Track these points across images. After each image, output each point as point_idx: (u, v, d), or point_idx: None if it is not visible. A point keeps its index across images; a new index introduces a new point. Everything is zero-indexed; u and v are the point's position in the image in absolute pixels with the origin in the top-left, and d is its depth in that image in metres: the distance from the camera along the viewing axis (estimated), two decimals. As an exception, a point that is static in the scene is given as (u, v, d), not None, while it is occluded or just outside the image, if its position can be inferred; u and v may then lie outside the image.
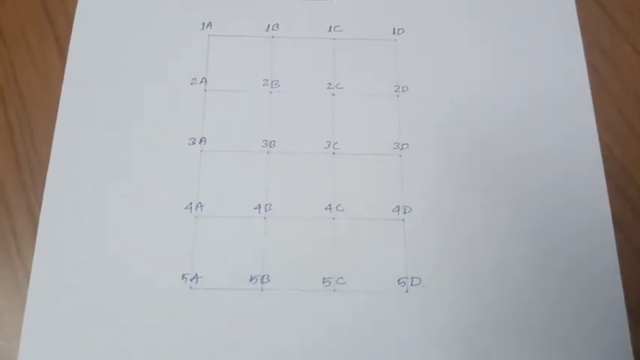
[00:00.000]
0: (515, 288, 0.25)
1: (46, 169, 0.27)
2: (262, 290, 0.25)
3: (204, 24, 0.29)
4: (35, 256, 0.25)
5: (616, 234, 0.26)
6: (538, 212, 0.26)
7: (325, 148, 0.27)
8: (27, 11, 0.30)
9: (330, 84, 0.28)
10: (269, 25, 0.29)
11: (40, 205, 0.26)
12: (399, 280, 0.25)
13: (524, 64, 0.29)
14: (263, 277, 0.25)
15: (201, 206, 0.26)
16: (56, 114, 0.28)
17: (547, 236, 0.26)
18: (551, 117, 0.28)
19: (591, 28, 0.30)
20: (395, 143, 0.27)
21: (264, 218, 0.26)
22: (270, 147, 0.27)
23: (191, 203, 0.26)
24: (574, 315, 0.25)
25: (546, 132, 0.28)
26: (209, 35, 0.29)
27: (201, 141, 0.27)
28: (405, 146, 0.27)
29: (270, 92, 0.28)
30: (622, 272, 0.25)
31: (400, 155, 0.27)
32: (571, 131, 0.28)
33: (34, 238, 0.25)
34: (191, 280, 0.25)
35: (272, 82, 0.28)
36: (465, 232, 0.26)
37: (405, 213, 0.26)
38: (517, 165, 0.27)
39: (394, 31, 0.30)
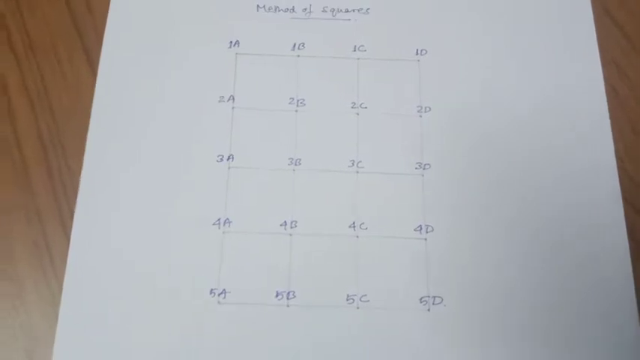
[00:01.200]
0: (538, 307, 0.26)
1: (78, 182, 0.27)
2: (288, 306, 0.26)
3: (231, 42, 0.30)
4: (67, 268, 0.26)
5: (632, 260, 0.26)
6: (560, 231, 0.27)
7: (349, 166, 0.28)
8: (57, 25, 0.31)
9: (354, 103, 0.29)
10: (295, 44, 0.30)
11: (72, 218, 0.27)
12: (420, 299, 0.26)
13: (545, 85, 0.29)
14: (289, 293, 0.26)
15: (229, 222, 0.27)
16: (87, 127, 0.28)
17: (569, 254, 0.26)
18: (573, 137, 0.28)
19: (609, 47, 0.31)
20: (417, 163, 0.28)
21: (290, 235, 0.27)
22: (296, 165, 0.28)
23: (219, 219, 0.27)
24: (596, 331, 0.25)
25: (568, 153, 0.28)
26: (236, 54, 0.30)
27: (229, 158, 0.28)
28: (427, 166, 0.28)
29: (296, 111, 0.29)
30: (636, 284, 0.26)
31: (422, 175, 0.28)
32: (591, 151, 0.28)
33: (67, 251, 0.26)
34: (219, 295, 0.26)
35: (298, 100, 0.29)
36: (486, 251, 0.26)
37: (427, 232, 0.27)
38: (540, 185, 0.28)
39: (417, 51, 0.30)
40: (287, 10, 0.31)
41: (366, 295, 0.26)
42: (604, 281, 0.26)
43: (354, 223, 0.27)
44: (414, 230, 0.27)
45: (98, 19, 0.31)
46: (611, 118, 0.29)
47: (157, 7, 0.31)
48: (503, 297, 0.26)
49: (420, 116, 0.29)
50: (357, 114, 0.29)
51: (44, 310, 0.26)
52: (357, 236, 0.27)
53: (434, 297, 0.26)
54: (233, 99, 0.29)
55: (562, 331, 0.25)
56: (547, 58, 0.30)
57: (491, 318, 0.25)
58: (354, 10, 0.31)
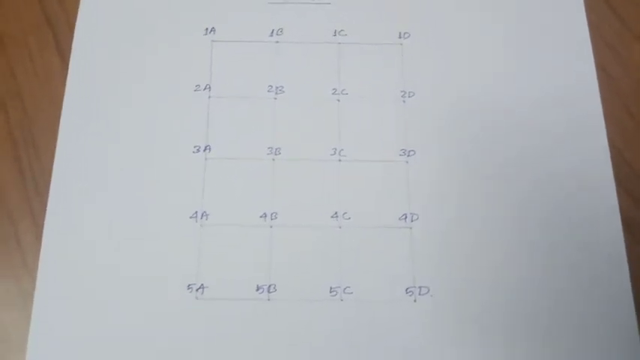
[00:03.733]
0: (525, 295, 0.25)
1: (50, 178, 0.26)
2: (269, 300, 0.25)
3: (207, 29, 0.29)
4: (40, 265, 0.25)
5: (625, 235, 0.26)
6: (546, 217, 0.26)
7: (331, 155, 0.27)
8: (28, 18, 0.30)
9: (335, 89, 0.28)
10: (273, 30, 0.29)
11: (44, 215, 0.26)
12: (406, 290, 0.25)
13: (532, 68, 0.28)
14: (270, 286, 0.25)
15: (207, 215, 0.26)
16: (59, 122, 0.27)
17: (555, 240, 0.25)
18: (560, 121, 0.27)
19: (600, 29, 0.30)
20: (402, 150, 0.27)
21: (270, 227, 0.26)
22: (276, 154, 0.27)
23: (196, 212, 0.26)
24: (583, 318, 0.24)
25: (554, 136, 0.27)
26: (212, 41, 0.29)
27: (205, 149, 0.27)
28: (411, 152, 0.27)
29: (275, 98, 0.28)
30: (632, 276, 0.25)
31: (407, 162, 0.27)
32: (580, 136, 0.27)
33: (39, 248, 0.25)
34: (197, 290, 0.25)
35: (277, 87, 0.28)
36: (473, 239, 0.25)
37: (412, 221, 0.26)
38: (525, 170, 0.27)
39: (400, 35, 0.29)
40: (264, -5, 0.30)
41: (349, 287, 0.25)
42: (597, 271, 0.25)
43: (336, 213, 0.26)
44: (399, 219, 0.26)
45: (70, 10, 0.30)
46: (604, 103, 0.28)
47: (129, -5, 0.30)
48: (491, 286, 0.25)
49: (404, 101, 0.28)
50: (339, 100, 0.28)
51: (16, 310, 0.25)
52: (340, 227, 0.26)
53: (420, 287, 0.25)
54: (209, 88, 0.28)
55: (551, 320, 0.24)
56: (534, 40, 0.29)
57: (478, 308, 0.24)
58: (334, -6, 0.30)
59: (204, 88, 0.28)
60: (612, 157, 0.27)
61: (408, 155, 0.27)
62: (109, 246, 0.25)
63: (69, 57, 0.29)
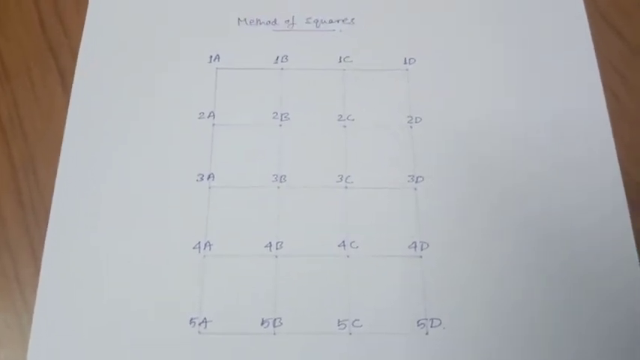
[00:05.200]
0: (540, 327, 0.24)
1: (50, 208, 0.26)
2: (275, 334, 0.24)
3: (211, 57, 0.29)
4: (37, 300, 0.24)
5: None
6: (564, 246, 0.25)
7: (337, 182, 0.26)
8: (30, 45, 0.30)
9: (340, 116, 0.28)
10: (278, 57, 0.29)
11: (43, 247, 0.25)
12: (418, 322, 0.24)
13: (539, 92, 0.28)
14: (275, 320, 0.24)
15: (210, 245, 0.25)
16: (59, 152, 0.27)
17: (574, 269, 0.24)
18: (570, 146, 0.27)
19: (606, 51, 0.29)
20: (409, 176, 0.26)
21: (276, 257, 0.25)
22: (281, 182, 0.26)
23: (199, 242, 0.25)
24: (602, 353, 0.23)
25: (564, 160, 0.27)
26: (217, 68, 0.28)
27: (209, 177, 0.26)
28: (420, 179, 0.26)
29: (280, 125, 0.27)
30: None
31: (415, 188, 0.26)
32: (590, 159, 0.27)
33: (37, 281, 0.24)
34: (199, 324, 0.24)
35: (282, 114, 0.28)
36: (486, 268, 0.25)
37: (422, 249, 0.25)
38: (537, 195, 0.26)
39: (405, 60, 0.29)
40: (269, 22, 0.30)
41: (358, 319, 0.24)
42: (614, 301, 0.24)
43: (343, 241, 0.25)
44: (409, 247, 0.25)
45: (73, 37, 0.30)
46: (612, 123, 0.27)
47: (134, 22, 0.29)
48: (505, 316, 0.24)
49: (411, 127, 0.27)
50: (345, 126, 0.27)
51: (13, 343, 0.24)
52: (348, 256, 0.25)
53: (432, 319, 0.24)
54: (213, 115, 0.27)
55: (569, 351, 0.23)
56: (540, 64, 0.29)
57: (493, 339, 0.23)
58: (338, 21, 0.30)
59: (209, 116, 0.27)
60: (625, 181, 0.26)
61: (417, 181, 0.26)
62: (109, 278, 0.24)
63: (71, 84, 0.28)
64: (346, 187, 0.26)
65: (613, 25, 0.30)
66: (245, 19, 0.30)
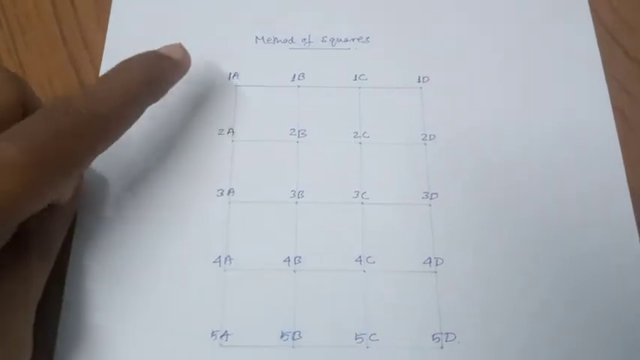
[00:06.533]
0: (556, 342, 0.24)
1: (74, 228, 0.26)
2: (293, 347, 0.24)
3: (230, 74, 0.29)
4: (62, 313, 0.25)
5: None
6: (579, 262, 0.26)
7: (354, 197, 0.27)
8: (52, 60, 0.31)
9: (356, 133, 0.28)
10: (295, 75, 0.30)
11: (68, 260, 0.26)
12: (433, 336, 0.24)
13: (552, 110, 0.29)
14: (294, 333, 0.24)
15: (230, 260, 0.26)
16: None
17: (589, 289, 0.25)
18: (581, 163, 0.28)
19: (614, 70, 0.30)
20: (424, 192, 0.27)
21: (294, 271, 0.26)
22: (299, 197, 0.27)
23: (220, 257, 0.26)
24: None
25: (577, 178, 0.27)
26: (236, 86, 0.29)
27: (229, 192, 0.27)
28: (434, 195, 0.27)
29: (297, 142, 0.28)
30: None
31: (430, 205, 0.27)
32: (602, 177, 0.27)
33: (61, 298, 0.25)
34: (221, 337, 0.24)
35: (299, 131, 0.28)
36: (501, 283, 0.25)
37: (437, 265, 0.26)
38: (550, 212, 0.27)
39: (419, 79, 0.30)
40: (286, 40, 0.30)
41: (375, 333, 0.24)
42: (629, 320, 0.25)
43: (360, 257, 0.26)
44: (423, 263, 0.26)
45: (94, 51, 0.30)
46: (621, 141, 0.28)
47: (154, 37, 0.30)
48: (521, 331, 0.24)
49: (425, 144, 0.28)
50: (360, 143, 0.28)
51: None
52: (364, 271, 0.26)
53: (447, 333, 0.24)
54: (233, 132, 0.28)
55: (584, 367, 0.24)
56: (553, 82, 0.29)
57: (508, 354, 0.24)
58: (353, 40, 0.31)
59: (228, 132, 0.28)
60: (633, 202, 0.27)
61: (431, 198, 0.27)
62: (131, 292, 0.25)
63: (94, 101, 0.29)
64: (362, 203, 0.27)
65: (621, 43, 0.31)
66: (263, 37, 0.30)
